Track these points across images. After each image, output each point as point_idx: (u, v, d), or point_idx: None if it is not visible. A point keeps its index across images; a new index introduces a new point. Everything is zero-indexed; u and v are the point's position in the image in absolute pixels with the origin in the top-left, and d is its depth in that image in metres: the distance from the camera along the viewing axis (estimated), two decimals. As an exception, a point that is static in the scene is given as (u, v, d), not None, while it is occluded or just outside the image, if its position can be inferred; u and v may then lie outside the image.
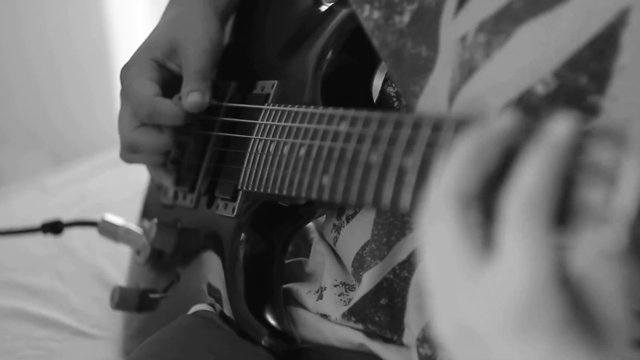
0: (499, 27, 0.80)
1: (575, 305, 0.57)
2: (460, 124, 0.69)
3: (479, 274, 0.58)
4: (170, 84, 1.10)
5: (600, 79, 0.74)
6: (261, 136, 0.99)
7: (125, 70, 1.09)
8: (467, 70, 0.82)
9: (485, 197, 0.60)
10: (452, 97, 0.84)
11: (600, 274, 0.56)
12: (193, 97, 1.06)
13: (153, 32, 1.12)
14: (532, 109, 0.77)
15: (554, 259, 0.56)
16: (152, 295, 1.12)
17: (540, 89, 0.77)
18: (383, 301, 0.94)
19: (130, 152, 1.10)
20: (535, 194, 0.57)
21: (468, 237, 0.59)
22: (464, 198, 0.60)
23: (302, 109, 0.93)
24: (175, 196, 1.14)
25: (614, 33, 0.74)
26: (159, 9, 1.19)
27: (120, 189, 1.65)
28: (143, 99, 1.06)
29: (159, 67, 1.09)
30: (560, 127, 0.59)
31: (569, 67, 0.76)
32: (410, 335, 0.93)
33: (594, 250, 0.56)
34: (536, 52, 0.77)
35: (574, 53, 0.76)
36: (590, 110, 0.74)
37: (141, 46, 1.11)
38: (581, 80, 0.75)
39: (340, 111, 0.86)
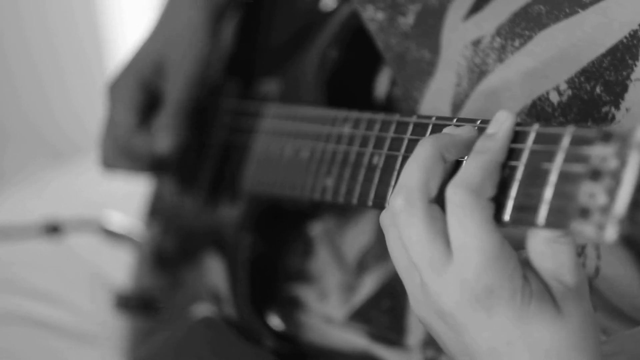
0: (515, 31, 0.79)
1: (530, 278, 0.63)
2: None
3: (445, 263, 0.64)
4: (158, 102, 1.09)
5: (616, 90, 0.73)
6: (265, 137, 0.98)
7: (111, 90, 1.09)
8: (476, 74, 0.81)
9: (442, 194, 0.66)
10: (456, 103, 0.83)
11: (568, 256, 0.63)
12: (162, 141, 1.06)
13: (143, 43, 1.11)
14: (544, 117, 0.76)
15: (499, 240, 0.62)
16: (154, 305, 1.12)
17: (554, 97, 0.76)
18: (386, 303, 0.94)
19: (107, 169, 1.12)
20: (472, 183, 0.63)
21: (438, 231, 0.65)
22: (427, 196, 0.65)
23: (305, 110, 0.93)
24: (179, 197, 1.13)
25: (635, 43, 0.73)
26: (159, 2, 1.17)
27: (122, 184, 1.64)
28: (119, 131, 1.07)
29: (144, 87, 1.08)
30: (498, 124, 0.65)
31: (585, 75, 0.75)
32: (413, 337, 0.92)
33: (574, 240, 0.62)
34: (552, 57, 0.76)
35: (592, 61, 0.74)
36: (603, 123, 0.74)
37: (128, 61, 1.10)
38: (596, 91, 0.74)
39: (344, 113, 0.86)
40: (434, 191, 0.66)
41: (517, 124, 0.65)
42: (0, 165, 2.73)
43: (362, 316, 0.95)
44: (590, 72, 0.74)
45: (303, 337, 0.99)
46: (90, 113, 2.89)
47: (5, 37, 2.82)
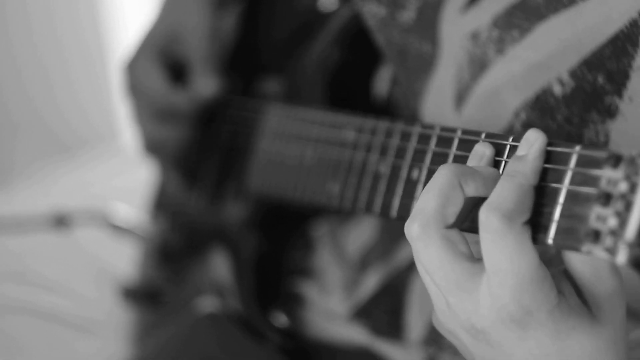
0: (513, 22, 0.79)
1: (566, 292, 0.64)
2: (467, 139, 0.70)
3: (474, 282, 0.64)
4: (178, 72, 1.08)
5: (618, 79, 0.73)
6: (269, 137, 0.98)
7: (132, 66, 1.07)
8: (478, 66, 0.81)
9: (465, 216, 0.66)
10: (459, 96, 0.83)
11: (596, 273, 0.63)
12: (206, 84, 1.04)
13: (152, 22, 1.10)
14: (548, 110, 0.76)
15: (534, 262, 0.62)
16: (159, 298, 1.12)
17: (557, 89, 0.76)
18: (388, 301, 0.93)
19: (152, 151, 1.09)
20: (504, 208, 0.62)
21: (458, 253, 0.64)
22: (443, 224, 0.64)
23: (309, 112, 0.92)
24: (186, 193, 1.13)
25: (635, 31, 0.72)
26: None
27: (127, 177, 1.65)
28: (157, 92, 1.04)
29: (165, 56, 1.07)
30: (530, 145, 0.65)
31: (587, 66, 0.74)
32: (414, 335, 0.92)
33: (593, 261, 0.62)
34: (553, 48, 0.76)
35: (593, 51, 0.74)
36: (607, 113, 0.74)
37: (142, 38, 1.09)
38: (598, 81, 0.74)
39: (346, 117, 0.85)
40: (450, 218, 0.65)
41: (548, 144, 0.64)
42: (10, 159, 2.73)
43: (364, 313, 0.95)
44: (591, 62, 0.74)
45: (306, 333, 0.99)
46: (96, 107, 2.89)
47: (12, 34, 2.82)
